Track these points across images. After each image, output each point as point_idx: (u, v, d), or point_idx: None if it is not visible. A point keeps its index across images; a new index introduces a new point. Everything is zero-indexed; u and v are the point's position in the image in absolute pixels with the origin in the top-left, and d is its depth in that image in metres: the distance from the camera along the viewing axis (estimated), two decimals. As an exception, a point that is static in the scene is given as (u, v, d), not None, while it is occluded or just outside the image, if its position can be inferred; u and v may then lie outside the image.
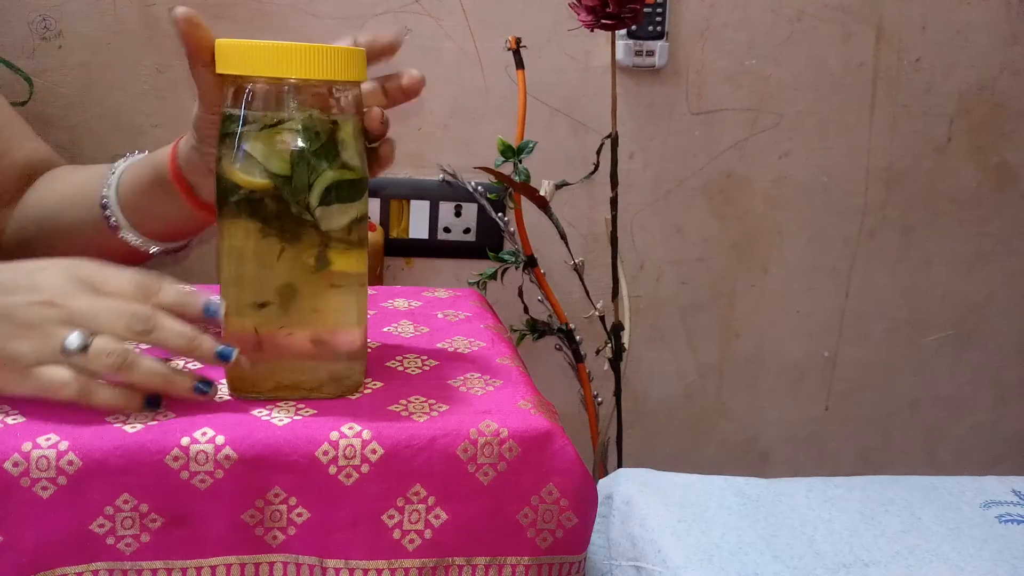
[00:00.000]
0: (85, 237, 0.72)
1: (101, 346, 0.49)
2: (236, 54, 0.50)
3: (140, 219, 0.70)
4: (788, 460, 1.24)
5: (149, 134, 0.98)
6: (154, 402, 0.51)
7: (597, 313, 1.00)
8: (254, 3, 0.97)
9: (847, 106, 1.13)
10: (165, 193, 0.68)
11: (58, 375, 0.49)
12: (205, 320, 0.53)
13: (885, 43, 1.12)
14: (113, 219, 0.69)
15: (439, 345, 0.66)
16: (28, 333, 0.49)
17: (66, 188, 0.75)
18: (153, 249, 0.73)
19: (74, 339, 0.49)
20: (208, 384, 0.52)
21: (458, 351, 0.65)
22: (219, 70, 0.51)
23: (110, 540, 0.49)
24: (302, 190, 0.50)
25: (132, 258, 0.72)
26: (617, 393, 1.00)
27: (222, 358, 0.51)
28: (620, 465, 1.04)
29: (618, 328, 0.98)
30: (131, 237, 0.70)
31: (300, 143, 0.50)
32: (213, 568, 0.50)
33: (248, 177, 0.50)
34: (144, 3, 0.95)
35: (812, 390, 1.23)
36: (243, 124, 0.50)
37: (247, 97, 0.50)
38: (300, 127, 0.50)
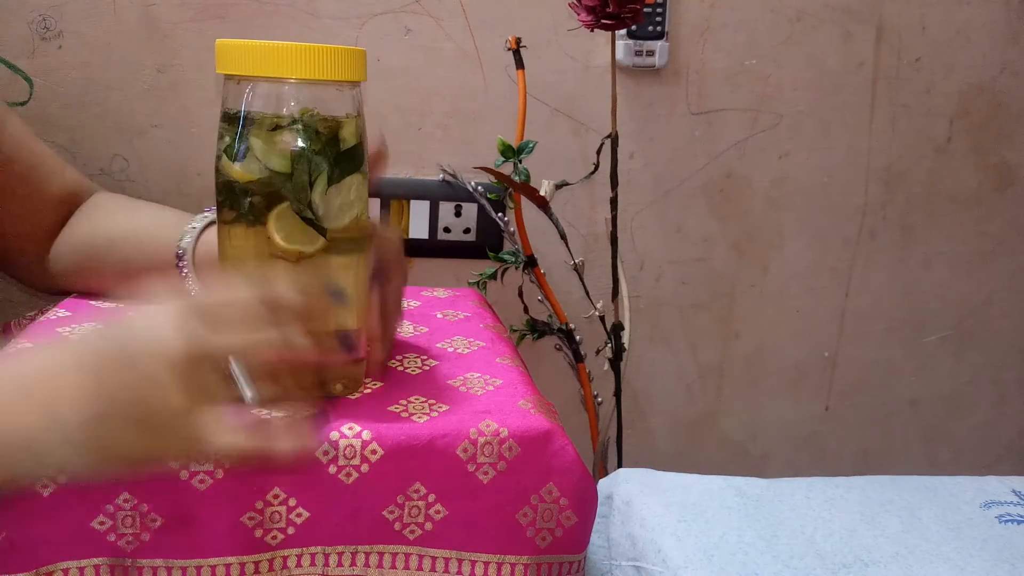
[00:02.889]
0: (148, 276, 0.72)
1: (268, 393, 0.46)
2: (236, 54, 0.50)
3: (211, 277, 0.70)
4: (788, 460, 1.24)
5: (149, 134, 0.98)
6: (324, 415, 0.49)
7: (597, 313, 1.00)
8: (254, 3, 0.97)
9: (847, 106, 1.13)
10: None
11: (224, 440, 0.45)
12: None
13: (885, 43, 1.12)
14: (185, 270, 0.69)
15: (439, 345, 0.66)
16: (189, 392, 0.45)
17: (129, 225, 0.75)
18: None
19: (246, 388, 0.45)
20: (339, 293, 0.50)
21: (458, 351, 0.65)
22: (219, 70, 0.51)
23: (111, 537, 0.49)
24: (303, 188, 0.50)
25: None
26: (617, 393, 1.00)
27: (336, 297, 0.50)
28: (620, 465, 1.04)
29: (618, 328, 0.98)
30: (195, 287, 0.70)
31: (300, 142, 0.50)
32: (213, 568, 0.50)
33: (248, 175, 0.50)
34: (144, 3, 0.95)
35: (812, 390, 1.23)
36: (243, 123, 0.50)
37: (247, 96, 0.50)
38: (300, 126, 0.50)
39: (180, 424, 0.44)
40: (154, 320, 0.46)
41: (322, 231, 0.51)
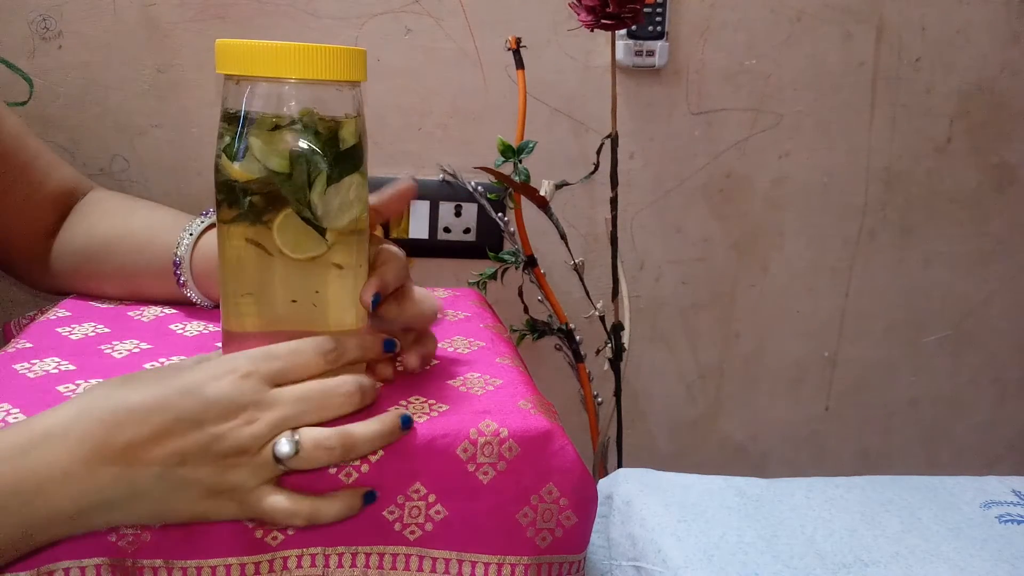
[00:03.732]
0: (145, 280, 0.72)
1: (314, 440, 0.48)
2: (235, 54, 0.50)
3: (208, 286, 0.70)
4: (788, 460, 1.24)
5: (149, 134, 0.99)
6: (371, 497, 0.51)
7: (597, 313, 1.00)
8: (254, 3, 0.97)
9: (847, 106, 1.13)
10: None
11: (282, 506, 0.48)
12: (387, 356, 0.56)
13: (885, 43, 1.12)
14: (183, 278, 0.69)
15: (439, 345, 0.66)
16: (237, 460, 0.47)
17: (125, 227, 0.74)
18: (213, 306, 0.73)
19: (284, 446, 0.47)
20: (408, 421, 0.52)
21: (458, 351, 0.65)
22: (219, 70, 0.51)
23: (111, 537, 0.49)
24: (301, 188, 0.50)
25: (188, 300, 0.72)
26: (617, 393, 1.00)
27: (387, 348, 0.54)
28: (620, 465, 1.04)
29: (618, 328, 0.98)
30: (194, 295, 0.70)
31: (300, 142, 0.50)
32: (213, 568, 0.50)
33: (247, 174, 0.50)
34: (144, 3, 0.95)
35: (812, 390, 1.23)
36: (243, 123, 0.50)
37: (247, 96, 0.50)
38: (299, 126, 0.50)
39: (235, 488, 0.47)
40: (210, 374, 0.48)
41: (321, 231, 0.51)
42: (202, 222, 0.70)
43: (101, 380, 0.52)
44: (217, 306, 0.70)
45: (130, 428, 0.45)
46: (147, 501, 0.46)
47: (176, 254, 0.69)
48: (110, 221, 0.75)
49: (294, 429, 0.48)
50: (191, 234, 0.69)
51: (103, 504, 0.45)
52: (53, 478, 0.44)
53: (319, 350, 0.50)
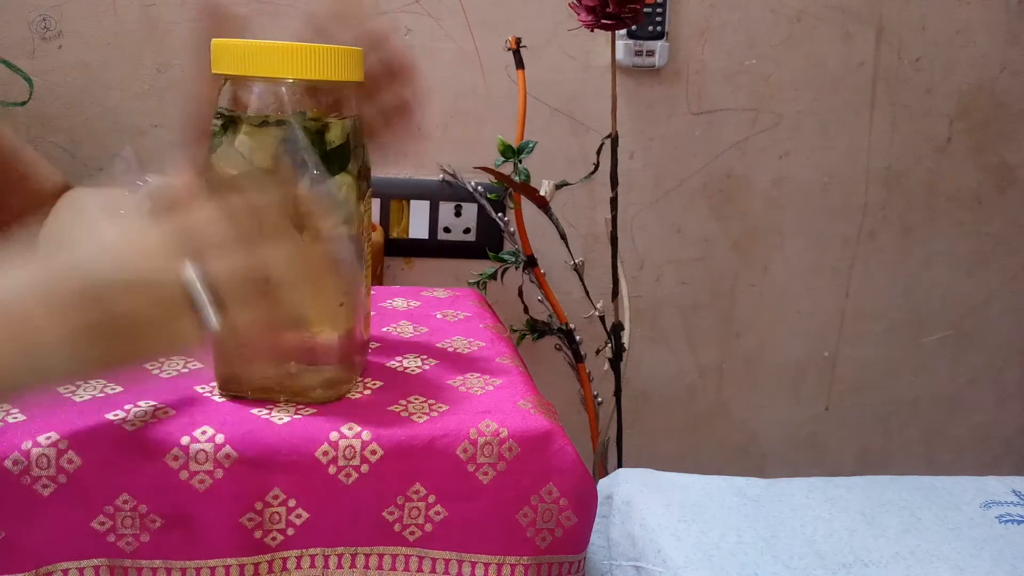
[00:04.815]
0: None
1: (223, 265, 0.45)
2: (233, 54, 0.50)
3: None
4: (788, 460, 1.24)
5: (149, 134, 0.98)
6: None
7: (597, 313, 1.00)
8: (254, 3, 0.97)
9: (847, 106, 1.13)
10: None
11: (197, 338, 0.46)
12: None
13: (885, 43, 1.12)
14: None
15: (439, 345, 0.66)
16: (170, 311, 0.45)
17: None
18: None
19: (210, 314, 0.45)
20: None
21: (458, 351, 0.65)
22: (215, 70, 0.51)
23: (111, 538, 0.49)
24: (286, 185, 0.50)
25: None
26: (617, 393, 1.00)
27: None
28: (620, 465, 1.04)
29: (618, 328, 0.98)
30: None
31: (286, 140, 0.50)
32: (212, 569, 0.50)
33: (235, 170, 0.50)
34: (144, 3, 0.95)
35: (812, 390, 1.23)
36: (233, 120, 0.50)
37: (238, 94, 0.50)
38: (287, 124, 0.50)
39: (160, 334, 0.46)
40: (125, 244, 0.46)
41: (300, 229, 0.51)
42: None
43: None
44: None
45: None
46: (75, 355, 0.45)
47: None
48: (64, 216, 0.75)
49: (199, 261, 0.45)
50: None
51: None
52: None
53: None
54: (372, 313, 0.68)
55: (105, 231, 0.48)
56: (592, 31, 0.86)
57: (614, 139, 0.93)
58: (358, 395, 0.55)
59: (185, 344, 0.48)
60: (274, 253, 0.47)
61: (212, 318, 0.45)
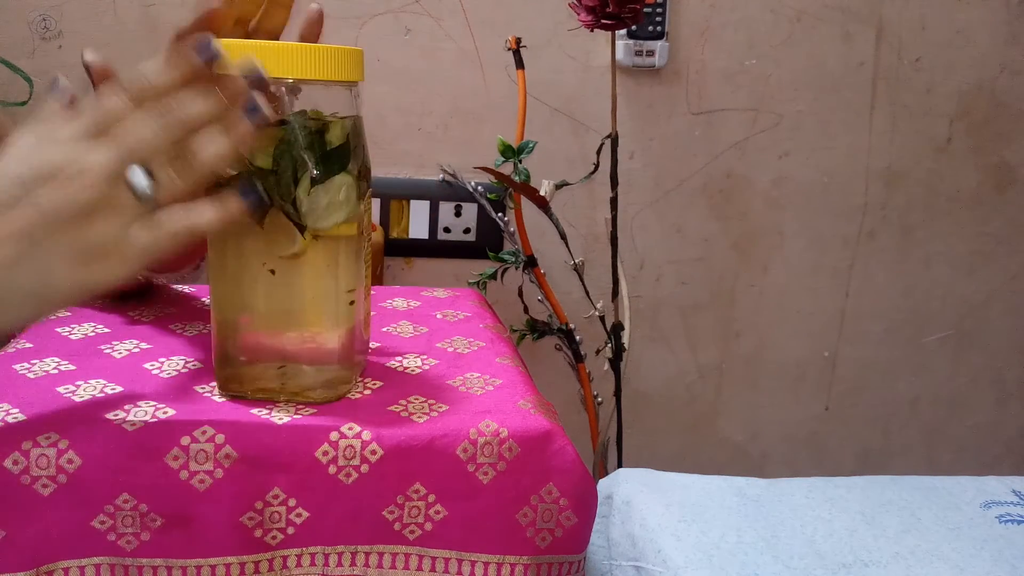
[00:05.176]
0: None
1: (168, 171, 0.45)
2: (233, 54, 0.50)
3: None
4: (788, 460, 1.24)
5: (149, 134, 0.98)
6: (248, 191, 0.47)
7: (597, 313, 1.00)
8: (254, 3, 0.97)
9: (847, 106, 1.13)
10: None
11: (156, 232, 0.44)
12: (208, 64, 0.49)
13: (885, 43, 1.12)
14: None
15: (439, 345, 0.66)
16: (91, 216, 0.44)
17: None
18: (157, 280, 0.72)
19: (135, 175, 0.44)
20: (255, 108, 0.47)
21: (457, 351, 0.65)
22: (215, 70, 0.51)
23: (111, 537, 0.49)
24: (286, 185, 0.50)
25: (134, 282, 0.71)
26: (617, 393, 1.00)
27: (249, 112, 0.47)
28: (620, 465, 1.04)
29: (618, 328, 0.98)
30: None
31: (285, 140, 0.50)
32: (213, 568, 0.50)
33: (233, 170, 0.50)
34: (144, 3, 0.95)
35: (812, 390, 1.23)
36: None
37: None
38: (286, 124, 0.50)
39: (107, 242, 0.44)
40: (43, 147, 0.45)
41: (301, 228, 0.51)
42: None
43: None
44: (157, 275, 0.71)
45: None
46: (21, 279, 0.44)
47: None
48: None
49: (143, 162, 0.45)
50: None
51: None
52: None
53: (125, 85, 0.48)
54: (372, 313, 0.68)
55: (20, 137, 0.47)
56: (592, 31, 0.86)
57: (614, 139, 0.93)
58: (358, 395, 0.55)
59: (128, 226, 0.44)
60: (186, 107, 0.46)
61: (143, 184, 0.44)
